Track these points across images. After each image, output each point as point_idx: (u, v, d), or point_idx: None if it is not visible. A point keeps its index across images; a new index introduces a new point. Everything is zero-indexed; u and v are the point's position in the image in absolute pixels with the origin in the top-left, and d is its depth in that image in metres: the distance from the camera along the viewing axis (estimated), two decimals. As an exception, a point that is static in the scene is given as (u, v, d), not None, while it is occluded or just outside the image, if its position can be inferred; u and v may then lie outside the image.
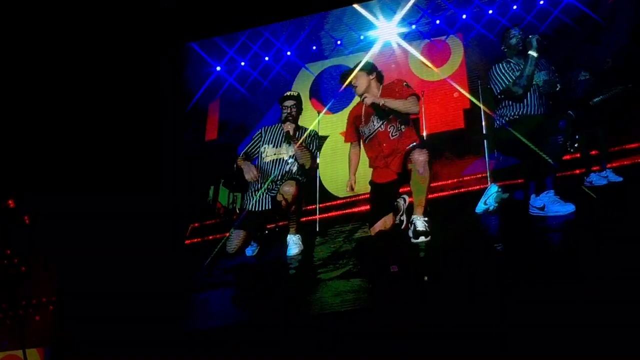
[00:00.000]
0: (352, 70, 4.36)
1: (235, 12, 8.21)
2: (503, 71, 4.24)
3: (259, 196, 4.57)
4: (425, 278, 2.43)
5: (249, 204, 4.63)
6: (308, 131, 5.05)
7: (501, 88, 4.23)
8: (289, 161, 4.70)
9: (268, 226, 5.21)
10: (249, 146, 5.02)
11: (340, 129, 4.48)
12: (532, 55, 4.16)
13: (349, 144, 4.75)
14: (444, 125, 8.01)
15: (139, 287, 4.28)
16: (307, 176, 5.00)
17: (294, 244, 4.46)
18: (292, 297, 2.80)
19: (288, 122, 4.77)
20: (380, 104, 3.95)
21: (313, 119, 8.52)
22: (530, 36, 4.26)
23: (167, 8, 7.02)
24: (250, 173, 4.56)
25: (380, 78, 4.33)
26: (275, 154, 4.69)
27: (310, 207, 7.23)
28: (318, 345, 2.15)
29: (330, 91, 8.93)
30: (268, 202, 4.56)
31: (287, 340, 2.21)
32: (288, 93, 5.28)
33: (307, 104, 9.09)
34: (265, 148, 4.74)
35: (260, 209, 4.56)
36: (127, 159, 6.45)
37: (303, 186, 4.63)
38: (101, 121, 6.54)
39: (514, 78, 4.12)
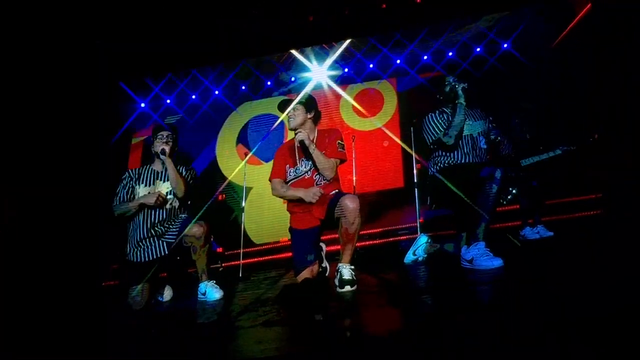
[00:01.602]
0: (292, 100, 4.12)
1: (168, 55, 8.02)
2: (436, 121, 4.09)
3: (149, 244, 4.17)
4: (348, 334, 2.19)
5: (140, 255, 4.15)
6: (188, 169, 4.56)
7: (433, 138, 4.09)
8: (168, 198, 4.33)
9: (190, 270, 4.81)
10: (120, 191, 4.36)
11: (266, 179, 4.16)
12: (461, 103, 4.02)
13: (272, 196, 4.38)
14: (375, 183, 7.99)
15: (55, 327, 3.87)
16: (187, 209, 4.51)
17: (213, 289, 4.05)
18: (209, 345, 2.51)
19: (162, 144, 4.37)
20: (309, 148, 3.74)
21: (237, 165, 8.47)
22: (456, 85, 4.19)
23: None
24: (153, 198, 4.19)
25: (317, 119, 4.08)
26: (149, 192, 4.31)
27: (233, 252, 6.99)
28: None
29: (258, 139, 8.86)
30: (162, 248, 4.14)
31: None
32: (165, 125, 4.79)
33: (232, 150, 8.96)
34: (137, 188, 4.33)
35: (154, 256, 4.11)
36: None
37: (212, 225, 4.25)
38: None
39: (444, 128, 4.01)
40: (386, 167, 7.99)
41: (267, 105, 9.09)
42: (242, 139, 8.97)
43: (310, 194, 3.73)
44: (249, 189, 7.03)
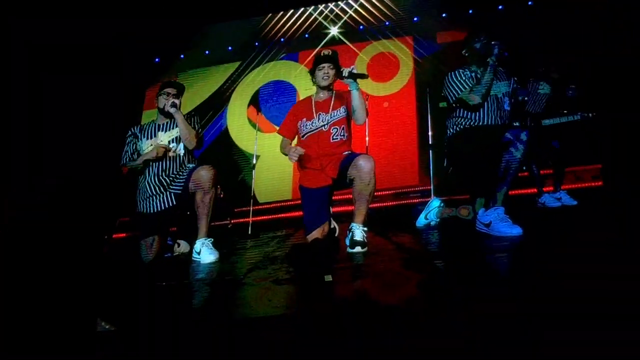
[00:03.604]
0: (330, 57, 3.97)
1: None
2: (460, 79, 3.85)
3: (157, 194, 4.12)
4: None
5: (148, 207, 4.13)
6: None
7: (457, 96, 3.88)
8: (171, 146, 4.22)
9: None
10: (126, 149, 4.34)
11: (278, 146, 4.05)
12: (492, 61, 3.75)
13: (281, 157, 4.25)
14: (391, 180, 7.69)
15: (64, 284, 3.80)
16: (194, 157, 4.39)
17: (207, 250, 3.89)
18: (216, 301, 2.47)
19: (170, 98, 4.27)
20: (350, 85, 3.62)
21: (249, 133, 8.41)
22: (492, 42, 3.98)
23: None
24: (153, 152, 4.10)
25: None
26: (152, 145, 4.23)
27: (243, 209, 6.91)
28: (241, 352, 1.81)
29: (269, 104, 8.73)
30: (170, 199, 4.09)
31: (208, 346, 1.86)
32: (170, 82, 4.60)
33: (243, 111, 8.87)
34: (142, 143, 4.28)
35: (162, 207, 4.09)
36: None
37: (219, 171, 4.07)
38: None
39: (470, 86, 3.81)
40: (401, 165, 7.68)
41: (278, 70, 8.95)
42: (254, 103, 8.82)
43: (292, 152, 3.66)
44: (258, 157, 6.89)
